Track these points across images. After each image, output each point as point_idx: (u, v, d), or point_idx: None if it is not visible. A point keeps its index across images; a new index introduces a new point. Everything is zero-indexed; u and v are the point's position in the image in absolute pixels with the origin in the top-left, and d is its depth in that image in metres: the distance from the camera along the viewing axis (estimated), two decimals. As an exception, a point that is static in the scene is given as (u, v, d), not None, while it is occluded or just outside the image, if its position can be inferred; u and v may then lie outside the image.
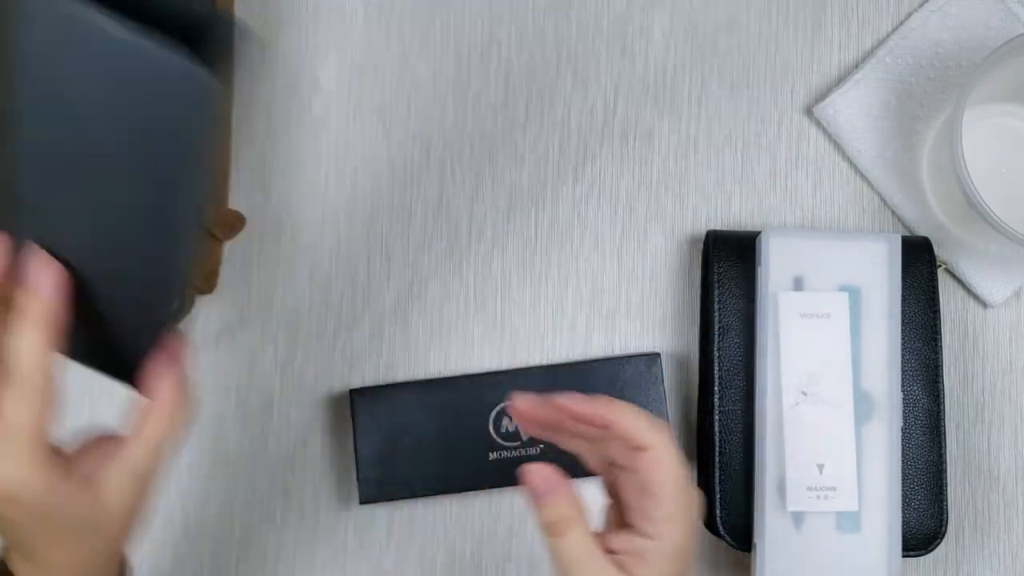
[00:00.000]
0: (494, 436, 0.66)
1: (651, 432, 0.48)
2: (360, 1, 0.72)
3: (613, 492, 0.51)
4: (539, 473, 0.49)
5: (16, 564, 0.47)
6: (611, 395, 0.58)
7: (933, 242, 0.68)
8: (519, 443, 0.66)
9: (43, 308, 0.43)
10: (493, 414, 0.66)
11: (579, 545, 0.47)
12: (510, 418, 0.65)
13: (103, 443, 0.48)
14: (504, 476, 0.65)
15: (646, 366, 0.67)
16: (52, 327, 0.43)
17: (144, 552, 0.68)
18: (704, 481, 0.66)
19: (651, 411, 0.62)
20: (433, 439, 0.66)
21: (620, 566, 0.47)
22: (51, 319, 0.43)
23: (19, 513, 0.44)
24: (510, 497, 0.69)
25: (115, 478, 0.46)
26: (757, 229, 0.68)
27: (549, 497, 0.48)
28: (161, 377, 0.46)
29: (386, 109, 0.72)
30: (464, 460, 0.66)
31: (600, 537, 0.48)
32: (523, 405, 0.50)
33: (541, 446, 0.65)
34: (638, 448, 0.48)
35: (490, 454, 0.66)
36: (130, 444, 0.47)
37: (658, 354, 0.67)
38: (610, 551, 0.48)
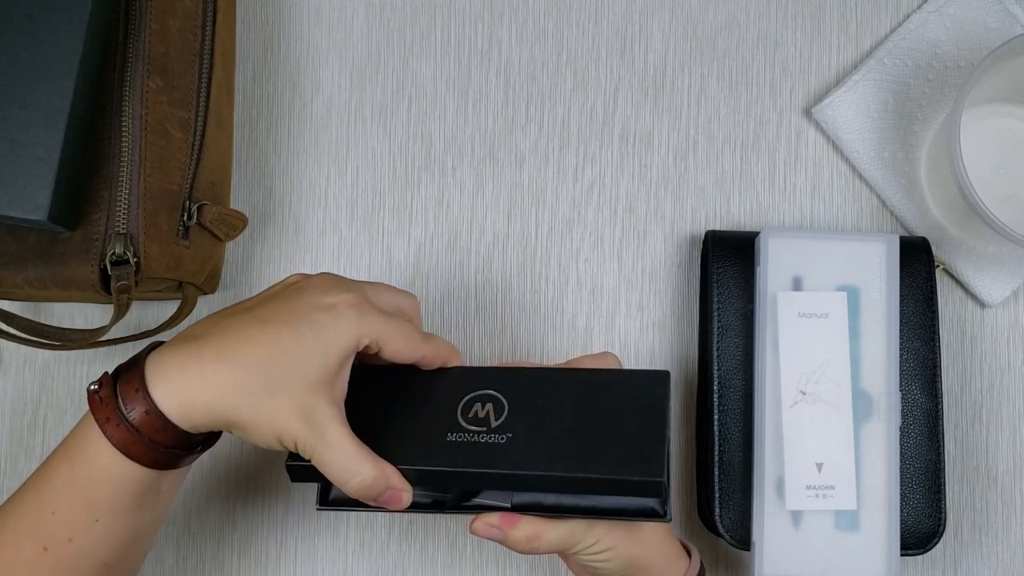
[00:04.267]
0: (459, 419, 0.54)
1: None
2: (361, 1, 0.72)
3: None
4: (484, 521, 0.53)
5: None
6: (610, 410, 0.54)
7: (931, 242, 0.68)
8: (484, 428, 0.54)
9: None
10: (464, 400, 0.55)
11: (559, 536, 0.53)
12: (482, 404, 0.55)
13: None
14: (463, 459, 0.53)
15: (651, 385, 0.54)
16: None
17: (145, 550, 0.69)
18: (703, 479, 0.66)
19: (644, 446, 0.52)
20: (394, 420, 0.55)
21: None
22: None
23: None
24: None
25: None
26: (756, 229, 0.68)
27: (506, 529, 0.53)
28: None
29: (387, 109, 0.72)
30: (417, 438, 0.54)
31: None
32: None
33: (509, 435, 0.53)
34: None
35: (448, 435, 0.54)
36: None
37: (667, 373, 0.55)
38: None
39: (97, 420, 0.49)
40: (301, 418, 0.49)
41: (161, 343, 0.52)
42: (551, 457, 0.52)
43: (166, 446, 0.50)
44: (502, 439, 0.53)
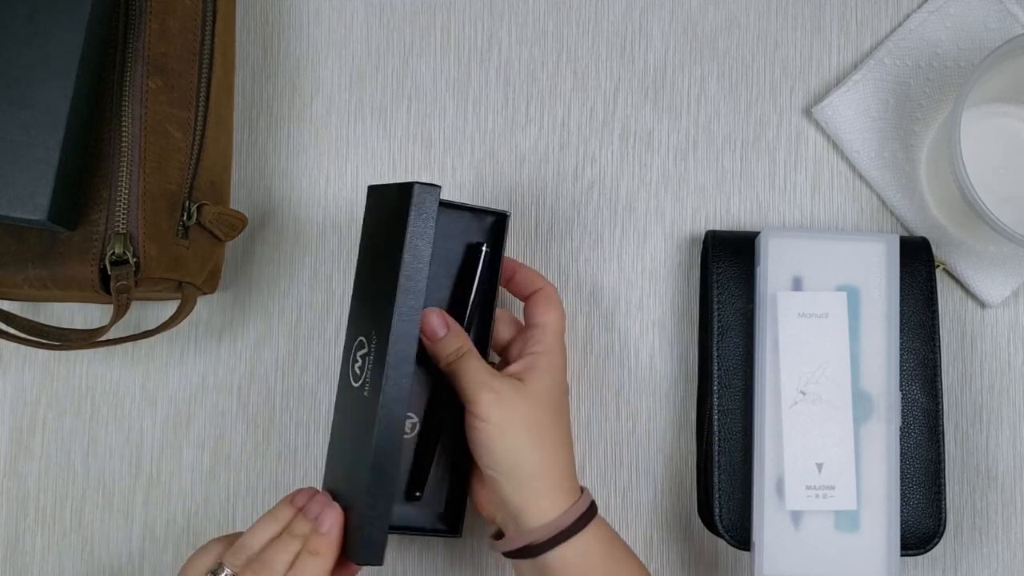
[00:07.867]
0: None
1: (540, 278, 0.62)
2: (361, 2, 0.72)
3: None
4: (432, 318, 0.59)
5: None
6: None
7: (931, 242, 0.68)
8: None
9: (328, 543, 0.56)
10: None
11: (474, 364, 0.58)
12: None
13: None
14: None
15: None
16: (332, 559, 0.56)
17: (146, 550, 0.69)
18: (703, 479, 0.66)
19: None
20: None
21: (511, 375, 0.59)
22: (333, 552, 0.56)
23: None
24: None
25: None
26: (756, 229, 0.68)
27: (445, 337, 0.59)
28: None
29: (387, 109, 0.72)
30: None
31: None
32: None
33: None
34: (533, 291, 0.62)
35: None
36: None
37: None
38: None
39: None
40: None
41: None
42: None
43: None
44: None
